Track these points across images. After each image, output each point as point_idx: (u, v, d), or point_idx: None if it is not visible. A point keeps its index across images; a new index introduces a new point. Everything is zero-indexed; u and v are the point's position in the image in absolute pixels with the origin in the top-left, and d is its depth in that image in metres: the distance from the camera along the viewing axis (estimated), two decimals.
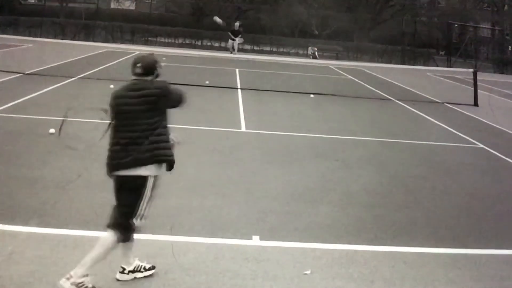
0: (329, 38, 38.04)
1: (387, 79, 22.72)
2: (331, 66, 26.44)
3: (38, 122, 9.66)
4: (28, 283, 4.16)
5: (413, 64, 32.32)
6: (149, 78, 4.28)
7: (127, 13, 38.68)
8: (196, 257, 4.85)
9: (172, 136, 4.43)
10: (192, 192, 6.67)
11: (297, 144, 9.65)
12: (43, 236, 5.05)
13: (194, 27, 35.14)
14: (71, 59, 20.32)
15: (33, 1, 45.64)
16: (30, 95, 12.20)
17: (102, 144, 8.97)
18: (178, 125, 10.46)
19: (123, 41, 32.07)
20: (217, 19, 17.31)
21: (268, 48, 34.05)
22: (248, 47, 34.06)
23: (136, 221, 4.20)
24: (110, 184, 6.63)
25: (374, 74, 24.43)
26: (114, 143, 4.38)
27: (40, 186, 6.41)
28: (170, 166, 4.43)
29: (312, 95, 15.71)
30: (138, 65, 4.26)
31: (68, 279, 3.96)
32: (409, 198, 7.21)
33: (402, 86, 20.69)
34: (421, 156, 9.67)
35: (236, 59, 23.83)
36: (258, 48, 34.05)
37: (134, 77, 4.29)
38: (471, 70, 18.67)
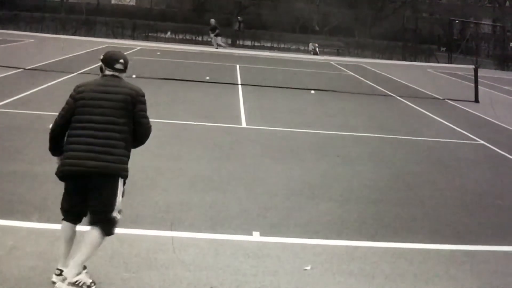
0: (330, 34, 38.01)
1: (388, 75, 22.70)
2: (332, 62, 26.41)
3: (38, 118, 9.66)
4: (28, 278, 4.17)
5: (414, 60, 32.28)
6: (124, 74, 4.27)
7: (128, 9, 38.63)
8: (197, 252, 4.86)
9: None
10: (192, 188, 6.67)
11: (297, 140, 9.65)
12: (43, 231, 5.05)
13: (195, 23, 35.10)
14: (72, 55, 20.30)
15: None
16: (30, 91, 12.20)
17: None
18: (179, 121, 10.51)
19: (124, 36, 32.04)
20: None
21: (268, 44, 34.01)
22: (249, 43, 34.03)
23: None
24: None
25: (375, 70, 24.40)
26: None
27: (41, 182, 6.41)
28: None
29: (312, 91, 15.69)
30: (121, 61, 4.24)
31: (63, 281, 3.92)
32: (409, 194, 7.21)
33: (403, 82, 20.67)
34: (421, 152, 9.66)
35: (235, 55, 23.81)
36: (258, 44, 34.03)
37: (109, 72, 4.21)
38: (472, 66, 18.64)
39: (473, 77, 17.44)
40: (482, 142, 10.86)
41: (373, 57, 32.60)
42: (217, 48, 27.59)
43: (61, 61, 18.17)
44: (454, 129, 12.07)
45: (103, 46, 24.23)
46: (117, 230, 5.13)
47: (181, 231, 5.31)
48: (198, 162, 7.85)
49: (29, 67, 15.81)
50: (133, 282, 4.24)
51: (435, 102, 16.20)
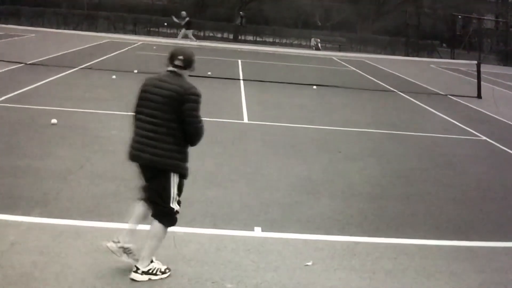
0: (332, 29, 37.95)
1: (390, 70, 22.65)
2: (334, 58, 26.36)
3: (40, 112, 9.65)
4: (30, 273, 4.17)
5: (417, 56, 32.21)
6: (187, 72, 4.28)
7: (129, 4, 38.55)
8: (198, 248, 4.85)
9: None
10: (194, 183, 6.65)
11: (299, 136, 9.63)
12: (45, 226, 5.05)
13: (197, 18, 35.03)
14: (73, 49, 20.29)
15: None
16: (32, 85, 12.19)
17: (103, 135, 9.02)
18: None
19: (125, 31, 32.01)
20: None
21: (271, 39, 33.97)
22: (250, 38, 33.98)
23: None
24: (111, 174, 6.66)
25: (377, 65, 24.35)
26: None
27: (42, 177, 6.41)
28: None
29: (314, 87, 15.67)
30: (180, 57, 4.23)
31: (136, 271, 4.16)
32: (411, 190, 7.19)
33: (405, 78, 20.63)
34: (423, 148, 9.65)
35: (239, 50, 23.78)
36: (260, 39, 33.98)
37: (170, 68, 4.24)
38: (475, 62, 18.58)
39: (476, 73, 17.39)
40: (485, 138, 10.84)
41: (375, 52, 32.55)
42: (181, 40, 25.37)
43: (63, 56, 18.16)
44: (457, 124, 12.05)
45: (105, 41, 24.24)
46: (118, 225, 5.17)
47: (182, 226, 5.29)
48: (200, 157, 7.83)
49: (30, 62, 15.80)
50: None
51: (438, 97, 16.17)
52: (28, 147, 7.61)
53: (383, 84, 17.96)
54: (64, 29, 29.18)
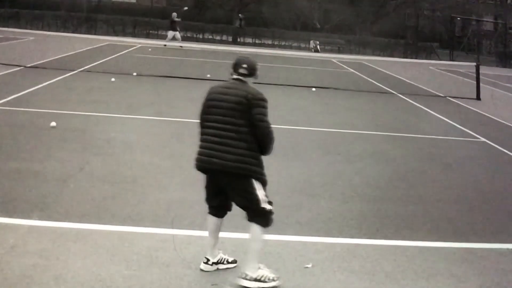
0: (331, 32, 37.99)
1: (389, 72, 22.68)
2: (333, 60, 26.39)
3: (39, 115, 9.66)
4: (29, 276, 4.16)
5: (416, 58, 32.27)
6: (251, 79, 4.45)
7: (128, 6, 38.63)
8: (198, 250, 4.85)
9: None
10: (193, 186, 6.65)
11: (298, 138, 9.63)
12: (44, 229, 5.05)
13: (196, 21, 35.08)
14: (73, 52, 20.29)
15: None
16: (31, 88, 12.20)
17: (102, 137, 9.03)
18: (180, 118, 10.50)
19: (124, 34, 32.03)
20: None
21: (269, 42, 34.00)
22: (250, 40, 34.01)
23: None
24: (110, 177, 6.67)
25: (376, 67, 24.38)
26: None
27: (42, 179, 6.41)
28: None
29: (313, 89, 15.69)
30: (244, 65, 4.43)
31: (245, 277, 4.21)
32: (411, 192, 7.20)
33: (404, 79, 20.65)
34: (423, 150, 9.65)
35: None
36: (260, 42, 34.00)
37: (235, 76, 4.42)
38: (474, 63, 18.61)
39: (475, 75, 17.42)
40: (484, 139, 10.85)
41: (374, 54, 32.57)
42: (167, 44, 25.60)
43: (62, 59, 18.17)
44: (456, 126, 12.06)
45: (104, 44, 24.25)
46: (118, 228, 5.17)
47: (182, 228, 5.31)
48: None
49: (29, 65, 15.81)
50: (134, 280, 4.24)
51: (437, 99, 16.19)
52: (28, 150, 7.61)
53: (382, 86, 17.98)
54: (64, 32, 29.22)
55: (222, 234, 5.28)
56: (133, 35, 32.32)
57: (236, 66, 4.45)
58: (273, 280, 4.26)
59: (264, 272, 4.26)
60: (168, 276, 4.35)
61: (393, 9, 39.92)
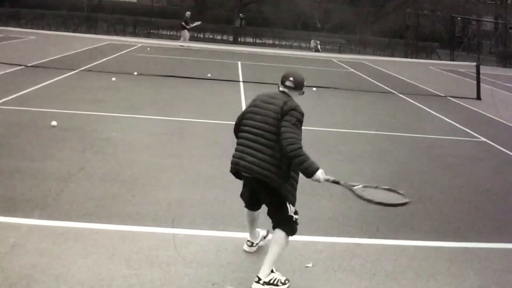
0: (331, 31, 37.98)
1: (389, 72, 22.68)
2: (333, 59, 26.38)
3: (40, 115, 9.67)
4: (30, 275, 4.17)
5: (416, 58, 32.25)
6: (296, 93, 4.51)
7: (129, 6, 38.63)
8: (198, 249, 4.86)
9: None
10: (193, 185, 6.68)
11: None
12: (45, 228, 5.06)
13: (196, 20, 35.06)
14: (73, 52, 20.30)
15: None
16: (32, 88, 12.20)
17: (103, 137, 9.02)
18: (180, 118, 10.51)
19: (125, 33, 32.04)
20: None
21: (270, 41, 33.99)
22: (250, 40, 34.01)
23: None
24: (111, 176, 6.67)
25: (377, 67, 24.37)
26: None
27: (42, 179, 6.42)
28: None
29: (314, 88, 15.67)
30: (291, 79, 4.46)
31: (258, 281, 4.23)
32: (411, 191, 7.19)
33: (405, 79, 20.65)
34: (423, 149, 9.66)
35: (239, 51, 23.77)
36: (260, 41, 34.00)
37: (281, 88, 4.48)
38: (474, 63, 18.61)
39: (475, 74, 17.41)
40: (484, 139, 10.85)
41: (374, 54, 32.57)
42: (183, 44, 25.85)
43: (63, 58, 18.18)
44: (456, 126, 12.06)
45: (104, 43, 24.25)
46: (118, 227, 5.18)
47: (182, 228, 5.31)
48: (200, 159, 7.85)
49: (30, 64, 15.81)
50: (134, 279, 4.24)
51: (437, 99, 16.19)
52: (28, 149, 7.62)
53: (383, 86, 17.98)
54: (64, 31, 29.22)
55: (222, 234, 5.29)
56: (134, 34, 32.32)
57: (283, 79, 4.49)
58: (284, 283, 4.31)
59: (276, 275, 4.31)
60: (168, 275, 4.35)
61: (393, 9, 39.92)
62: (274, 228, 4.36)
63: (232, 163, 4.44)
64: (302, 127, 4.38)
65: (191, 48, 25.09)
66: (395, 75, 21.86)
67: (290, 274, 4.55)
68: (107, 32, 31.44)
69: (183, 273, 4.41)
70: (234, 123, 4.64)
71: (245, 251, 4.86)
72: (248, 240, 4.90)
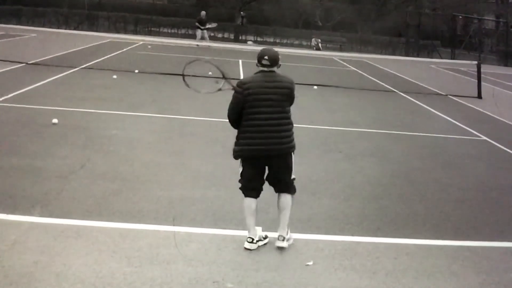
0: (332, 30, 37.92)
1: (390, 70, 22.66)
2: (334, 58, 26.36)
3: (41, 112, 9.67)
4: (31, 272, 4.17)
5: (417, 56, 32.21)
6: (274, 68, 4.93)
7: (130, 4, 38.60)
8: (199, 247, 4.86)
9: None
10: (194, 183, 6.68)
11: (300, 136, 9.54)
12: (46, 226, 5.06)
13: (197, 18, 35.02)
14: (74, 49, 20.30)
15: None
16: (33, 85, 12.20)
17: (104, 134, 9.02)
18: (181, 116, 10.51)
19: (126, 31, 32.02)
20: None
21: (271, 40, 33.95)
22: (251, 38, 33.98)
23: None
24: (112, 174, 6.67)
25: (378, 65, 24.36)
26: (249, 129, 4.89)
27: (43, 176, 6.42)
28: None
29: (315, 87, 15.68)
30: (265, 57, 4.88)
31: (282, 240, 4.88)
32: (412, 190, 7.20)
33: (406, 78, 20.63)
34: (424, 148, 9.65)
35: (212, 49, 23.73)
36: (261, 39, 33.97)
37: (261, 68, 4.91)
38: (475, 62, 18.59)
39: (476, 73, 17.39)
40: (485, 138, 10.84)
41: (375, 52, 32.53)
42: (198, 44, 25.60)
43: (64, 56, 18.18)
44: (457, 125, 12.05)
45: (105, 41, 24.24)
46: (119, 225, 5.19)
47: (183, 226, 5.31)
48: (200, 157, 7.85)
49: (31, 62, 15.81)
50: (135, 277, 4.25)
51: (438, 98, 16.18)
52: (29, 146, 7.62)
53: (384, 84, 17.96)
54: (65, 29, 29.20)
55: (223, 232, 5.29)
56: (135, 32, 32.30)
57: (259, 58, 4.89)
58: (291, 237, 5.04)
59: (288, 231, 5.01)
60: (169, 273, 4.35)
61: (394, 7, 39.85)
62: (280, 192, 4.98)
63: (256, 150, 4.81)
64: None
65: (210, 47, 25.04)
66: (396, 73, 21.85)
67: (291, 272, 4.56)
68: (108, 30, 31.42)
69: (184, 271, 4.41)
70: (231, 117, 4.92)
71: (245, 248, 4.87)
72: (248, 237, 4.92)
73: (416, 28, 34.89)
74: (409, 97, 15.53)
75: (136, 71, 15.47)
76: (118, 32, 31.12)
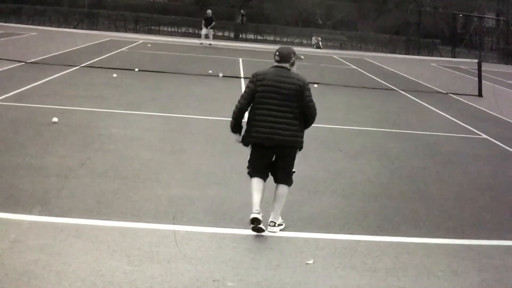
0: (333, 28, 37.89)
1: (391, 69, 22.64)
2: (335, 56, 26.35)
3: (41, 111, 9.66)
4: (30, 271, 4.17)
5: (417, 54, 32.16)
6: (286, 65, 5.21)
7: (130, 2, 38.54)
8: (199, 246, 4.86)
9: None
10: (194, 182, 6.67)
11: None
12: (46, 224, 5.06)
13: (197, 16, 35.01)
14: (74, 48, 20.29)
15: None
16: (33, 84, 12.19)
17: (104, 133, 9.03)
18: (181, 114, 10.50)
19: (126, 30, 32.00)
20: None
21: (271, 38, 33.92)
22: (251, 36, 33.96)
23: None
24: (112, 173, 6.67)
25: (378, 64, 24.34)
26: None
27: (43, 175, 6.42)
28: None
29: (315, 85, 15.65)
30: (277, 53, 5.26)
31: (273, 225, 5.19)
32: (412, 188, 7.19)
33: (406, 76, 20.62)
34: (424, 146, 9.64)
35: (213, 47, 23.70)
36: (261, 38, 33.95)
37: (275, 64, 5.25)
38: (476, 60, 18.58)
39: (477, 71, 17.38)
40: (486, 136, 10.83)
41: (376, 50, 32.51)
42: (202, 43, 25.18)
43: (64, 54, 18.17)
44: (458, 123, 12.04)
45: (106, 39, 24.23)
46: (119, 224, 5.18)
47: (183, 224, 5.31)
48: (201, 156, 7.84)
49: (31, 61, 15.81)
50: (135, 275, 4.24)
51: (439, 96, 16.17)
52: (29, 145, 7.62)
53: (384, 83, 17.95)
54: (65, 27, 29.18)
55: (223, 230, 5.30)
56: (135, 31, 32.28)
57: (274, 54, 5.29)
58: (281, 224, 5.34)
59: (281, 219, 5.35)
60: (169, 271, 4.35)
61: (395, 5, 39.81)
62: (278, 182, 5.28)
63: (261, 138, 5.14)
64: None
65: (211, 46, 24.96)
66: (397, 72, 21.83)
67: (291, 270, 4.55)
68: (108, 29, 31.39)
69: (184, 270, 4.40)
70: (239, 105, 5.26)
71: (252, 218, 5.05)
72: (254, 211, 5.10)
73: (416, 26, 34.86)
74: (409, 95, 15.52)
75: (136, 69, 15.46)
76: (118, 30, 31.08)
